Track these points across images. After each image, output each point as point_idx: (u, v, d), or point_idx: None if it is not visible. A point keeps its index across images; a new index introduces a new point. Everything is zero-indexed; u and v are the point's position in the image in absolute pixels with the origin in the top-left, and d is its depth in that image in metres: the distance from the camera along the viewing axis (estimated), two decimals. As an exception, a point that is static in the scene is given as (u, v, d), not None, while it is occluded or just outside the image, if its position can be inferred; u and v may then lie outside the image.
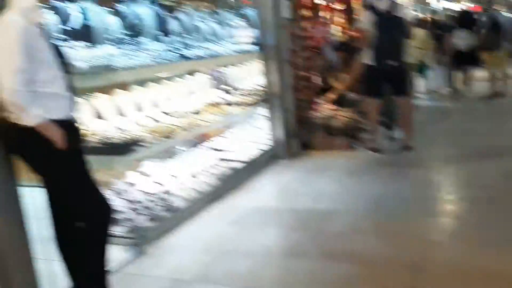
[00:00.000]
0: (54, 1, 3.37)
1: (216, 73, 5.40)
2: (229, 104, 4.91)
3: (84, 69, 3.09)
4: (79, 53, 3.18)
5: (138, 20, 4.10)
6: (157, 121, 3.96)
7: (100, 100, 3.69)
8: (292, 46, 5.43)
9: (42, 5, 3.18)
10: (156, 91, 4.37)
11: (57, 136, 2.16)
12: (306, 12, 5.88)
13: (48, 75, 2.18)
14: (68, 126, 2.24)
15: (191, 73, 5.05)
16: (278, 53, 5.23)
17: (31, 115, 2.09)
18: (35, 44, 2.13)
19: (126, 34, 3.98)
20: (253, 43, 5.25)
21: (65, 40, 3.25)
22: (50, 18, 3.23)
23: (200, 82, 5.13)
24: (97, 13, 3.64)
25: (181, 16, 4.85)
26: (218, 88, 5.34)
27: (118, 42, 3.81)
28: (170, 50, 4.12)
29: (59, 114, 2.21)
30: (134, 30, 4.07)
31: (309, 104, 5.77)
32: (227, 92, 5.34)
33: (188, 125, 3.94)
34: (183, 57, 4.01)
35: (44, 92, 2.16)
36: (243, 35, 5.42)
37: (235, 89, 5.47)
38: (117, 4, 4.02)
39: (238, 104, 4.94)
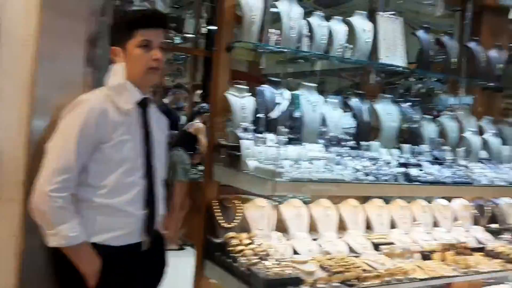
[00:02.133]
0: (264, 86, 2.87)
1: (481, 203, 3.91)
2: (488, 254, 3.40)
3: (252, 168, 2.44)
4: (260, 149, 2.56)
5: (371, 119, 3.22)
6: (355, 252, 2.95)
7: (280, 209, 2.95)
8: None
9: (244, 87, 2.78)
10: (374, 210, 3.34)
11: (88, 269, 1.53)
12: None
13: (119, 182, 1.59)
14: (118, 258, 1.59)
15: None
16: None
17: (58, 234, 1.53)
18: (108, 137, 1.59)
19: (351, 135, 3.16)
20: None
21: (254, 131, 2.69)
22: (245, 104, 2.75)
23: (454, 210, 3.77)
24: (314, 104, 2.98)
25: (444, 119, 3.68)
26: (481, 225, 3.83)
27: (335, 143, 3.02)
28: (405, 165, 3.06)
29: (112, 239, 1.59)
30: (363, 131, 3.22)
31: None
32: (493, 232, 3.77)
33: (394, 269, 2.76)
34: (414, 180, 2.87)
35: (100, 205, 1.58)
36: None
37: (507, 231, 3.82)
38: (349, 97, 3.27)
39: (498, 256, 3.37)
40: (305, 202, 3.31)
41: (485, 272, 3.13)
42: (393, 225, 3.42)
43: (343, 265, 2.69)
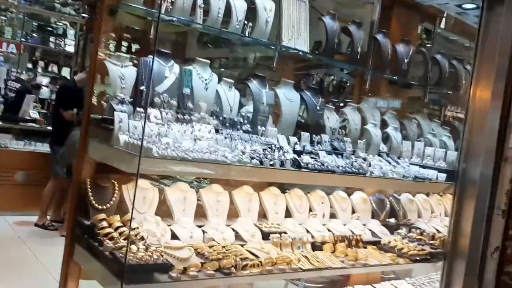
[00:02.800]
0: (150, 58, 2.64)
1: (381, 197, 3.92)
2: (381, 248, 3.39)
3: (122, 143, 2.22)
4: (137, 124, 2.34)
5: (268, 104, 3.09)
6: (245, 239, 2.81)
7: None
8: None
9: (126, 55, 2.54)
10: (270, 198, 3.22)
11: None
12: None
13: None
14: None
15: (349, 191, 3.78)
16: (483, 195, 3.47)
17: None
18: None
19: (248, 119, 3.01)
20: (442, 170, 3.60)
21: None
22: (125, 74, 2.52)
23: (354, 203, 3.74)
24: (207, 81, 2.79)
25: (348, 111, 3.64)
26: (380, 219, 3.83)
27: (229, 125, 2.86)
28: (300, 152, 2.97)
29: None
30: (261, 116, 3.08)
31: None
32: (391, 227, 3.78)
33: (278, 258, 2.64)
34: (303, 167, 2.76)
35: None
36: (432, 155, 3.82)
37: (405, 227, 3.85)
38: (248, 80, 3.12)
39: (391, 250, 3.37)
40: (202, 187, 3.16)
41: (373, 265, 3.10)
42: (289, 215, 3.33)
43: (223, 253, 2.53)
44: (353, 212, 3.73)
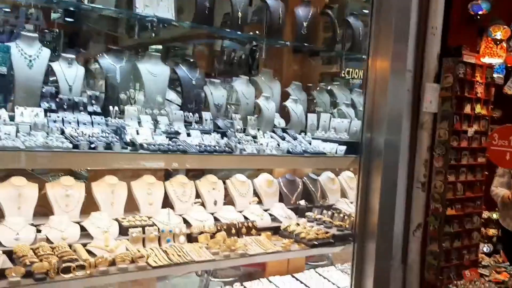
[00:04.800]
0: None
1: (291, 178, 3.52)
2: (281, 233, 3.03)
3: None
4: None
5: (123, 80, 2.70)
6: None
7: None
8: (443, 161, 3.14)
9: None
10: (142, 188, 2.85)
11: None
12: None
13: None
14: None
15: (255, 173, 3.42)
16: (392, 165, 3.10)
17: None
18: None
19: (97, 98, 2.64)
20: (344, 143, 3.19)
21: None
22: None
23: (258, 186, 3.36)
24: (32, 59, 2.41)
25: (237, 84, 3.23)
26: (290, 203, 3.44)
27: (67, 107, 2.49)
28: (169, 134, 2.60)
29: None
30: (113, 95, 2.70)
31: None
32: (302, 210, 3.40)
33: (121, 256, 2.28)
34: (144, 148, 2.38)
35: None
36: (338, 127, 3.41)
37: (318, 208, 3.46)
38: (100, 56, 2.73)
39: (290, 236, 2.99)
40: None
41: (253, 255, 2.71)
42: (170, 204, 2.95)
43: (49, 255, 2.16)
44: (256, 195, 3.36)
